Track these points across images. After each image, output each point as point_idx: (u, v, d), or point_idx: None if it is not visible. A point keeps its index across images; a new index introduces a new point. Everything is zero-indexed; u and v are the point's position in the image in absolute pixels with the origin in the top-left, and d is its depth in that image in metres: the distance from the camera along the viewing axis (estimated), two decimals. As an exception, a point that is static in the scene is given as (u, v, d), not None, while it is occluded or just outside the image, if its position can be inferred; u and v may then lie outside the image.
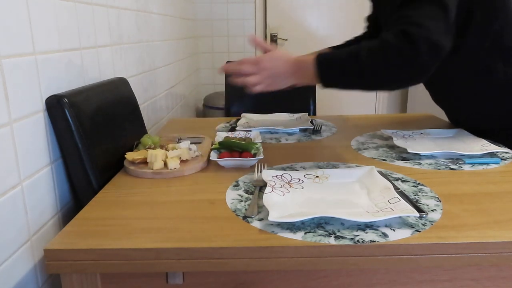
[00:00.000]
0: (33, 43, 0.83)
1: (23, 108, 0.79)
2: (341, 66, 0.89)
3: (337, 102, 3.37)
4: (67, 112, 0.87)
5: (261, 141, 1.16)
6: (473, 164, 0.99)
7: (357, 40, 1.43)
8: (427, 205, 0.77)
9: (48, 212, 0.87)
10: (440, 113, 1.40)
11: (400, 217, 0.71)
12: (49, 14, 0.89)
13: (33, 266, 0.81)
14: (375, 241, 0.64)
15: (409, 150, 1.05)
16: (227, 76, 1.97)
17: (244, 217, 0.73)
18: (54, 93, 0.88)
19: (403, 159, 1.04)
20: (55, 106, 0.87)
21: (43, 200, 0.85)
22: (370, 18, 1.43)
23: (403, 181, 0.89)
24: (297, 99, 1.97)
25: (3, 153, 0.73)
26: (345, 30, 3.21)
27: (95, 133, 0.94)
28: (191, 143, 1.10)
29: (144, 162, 0.99)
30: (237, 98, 1.99)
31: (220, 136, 1.19)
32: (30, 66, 0.82)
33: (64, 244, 0.65)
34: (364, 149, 1.14)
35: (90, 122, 0.94)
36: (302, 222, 0.70)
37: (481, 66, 1.09)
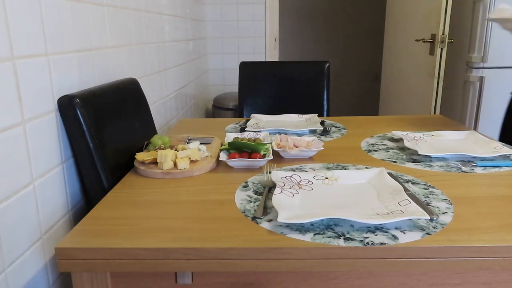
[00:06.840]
0: (46, 44, 0.84)
1: (36, 108, 0.80)
2: None
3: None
4: (78, 112, 0.88)
5: (270, 142, 1.16)
6: (485, 166, 0.98)
7: None
8: (438, 207, 0.76)
9: (59, 211, 0.88)
10: (446, 115, 1.39)
11: (410, 219, 0.71)
12: (61, 15, 0.90)
13: (44, 264, 0.82)
14: (385, 244, 0.64)
15: (420, 152, 1.04)
16: (241, 76, 1.97)
17: (253, 218, 0.73)
18: (66, 94, 0.89)
19: (414, 161, 1.03)
20: (67, 106, 0.88)
21: (55, 199, 0.86)
22: None
23: (413, 183, 0.88)
24: (311, 100, 1.96)
25: (16, 152, 0.74)
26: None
27: (106, 133, 0.95)
28: (200, 143, 1.10)
29: (154, 162, 0.99)
30: (251, 99, 1.99)
31: (230, 136, 1.19)
32: (43, 67, 0.83)
33: (74, 242, 0.66)
34: (374, 150, 1.14)
35: (101, 122, 0.95)
36: (312, 224, 0.70)
37: None
